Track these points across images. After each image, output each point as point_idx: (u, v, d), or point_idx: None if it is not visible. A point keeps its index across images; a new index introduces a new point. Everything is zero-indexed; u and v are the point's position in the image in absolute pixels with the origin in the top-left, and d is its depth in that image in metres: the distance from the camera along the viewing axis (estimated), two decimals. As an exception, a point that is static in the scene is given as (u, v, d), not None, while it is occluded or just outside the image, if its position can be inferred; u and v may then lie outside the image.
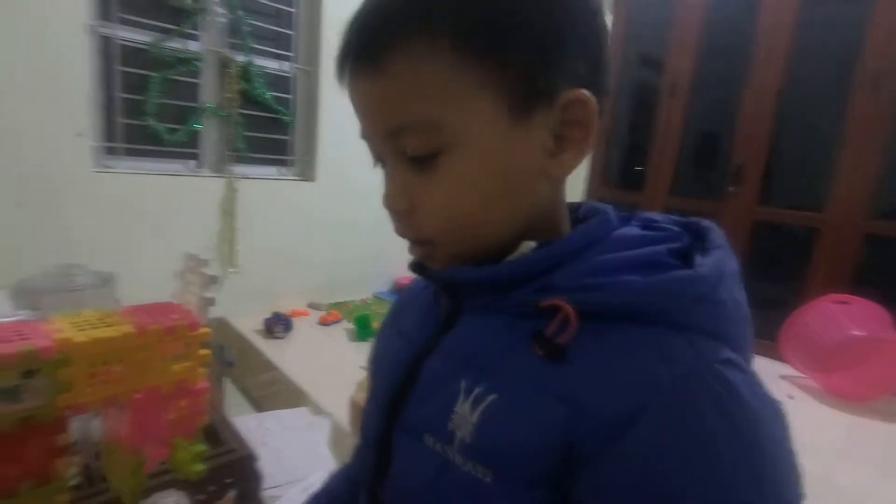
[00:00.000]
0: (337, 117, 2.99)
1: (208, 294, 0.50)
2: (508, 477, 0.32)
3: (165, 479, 0.60)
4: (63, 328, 0.44)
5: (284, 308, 2.47)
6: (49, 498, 0.43)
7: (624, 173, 3.37)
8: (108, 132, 2.19)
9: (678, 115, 2.82)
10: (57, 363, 0.41)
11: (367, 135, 0.37)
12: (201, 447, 0.54)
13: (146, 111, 2.33)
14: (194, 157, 2.57)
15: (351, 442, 1.11)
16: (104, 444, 0.51)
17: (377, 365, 0.47)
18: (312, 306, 2.88)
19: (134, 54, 2.23)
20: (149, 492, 0.69)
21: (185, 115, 2.47)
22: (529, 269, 0.35)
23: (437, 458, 0.35)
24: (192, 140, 2.51)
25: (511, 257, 0.36)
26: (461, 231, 0.36)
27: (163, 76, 2.30)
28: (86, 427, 0.56)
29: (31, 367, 0.40)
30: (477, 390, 0.34)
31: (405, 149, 0.34)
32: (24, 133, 1.89)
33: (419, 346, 0.40)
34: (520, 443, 0.32)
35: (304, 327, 2.45)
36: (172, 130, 2.45)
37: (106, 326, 0.45)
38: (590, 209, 0.40)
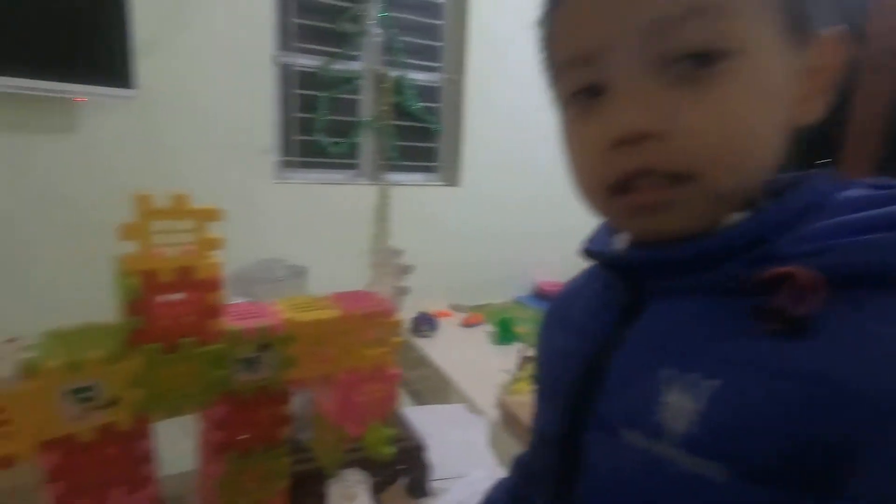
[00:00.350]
0: (480, 124, 3.05)
1: (402, 283, 0.52)
2: (744, 472, 0.27)
3: (351, 457, 0.65)
4: (284, 310, 0.49)
5: (428, 308, 2.57)
6: (276, 461, 0.48)
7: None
8: (286, 148, 2.50)
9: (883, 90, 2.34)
10: (285, 339, 0.46)
11: (601, 40, 0.30)
12: (391, 430, 0.57)
13: (315, 128, 2.60)
14: (354, 167, 2.81)
15: (508, 442, 1.11)
16: (316, 418, 0.55)
17: (547, 363, 0.44)
18: (454, 307, 2.95)
19: (306, 78, 2.52)
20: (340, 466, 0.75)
21: (346, 130, 2.71)
22: (745, 239, 0.29)
23: (642, 454, 0.31)
24: (352, 151, 2.75)
25: (722, 227, 0.31)
26: (734, 159, 0.30)
27: (329, 95, 2.56)
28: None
29: (266, 341, 0.45)
30: (689, 377, 0.29)
31: (674, 47, 0.28)
32: (225, 150, 2.23)
33: (598, 338, 0.36)
34: (760, 431, 0.27)
35: (448, 327, 2.51)
36: (336, 144, 2.70)
37: (316, 310, 0.50)
38: (791, 179, 0.33)
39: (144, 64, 2.04)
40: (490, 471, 0.93)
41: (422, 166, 2.95)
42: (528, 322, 3.17)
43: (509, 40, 3.03)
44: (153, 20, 2.07)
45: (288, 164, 2.48)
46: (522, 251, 3.47)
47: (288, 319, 0.46)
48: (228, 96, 2.21)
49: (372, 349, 0.52)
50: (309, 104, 2.52)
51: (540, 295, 3.61)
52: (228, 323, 0.43)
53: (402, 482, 0.88)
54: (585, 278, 0.45)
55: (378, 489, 0.80)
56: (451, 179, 3.08)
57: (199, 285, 0.40)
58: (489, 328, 2.94)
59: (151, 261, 0.38)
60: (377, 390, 0.54)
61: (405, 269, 0.52)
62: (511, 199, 3.31)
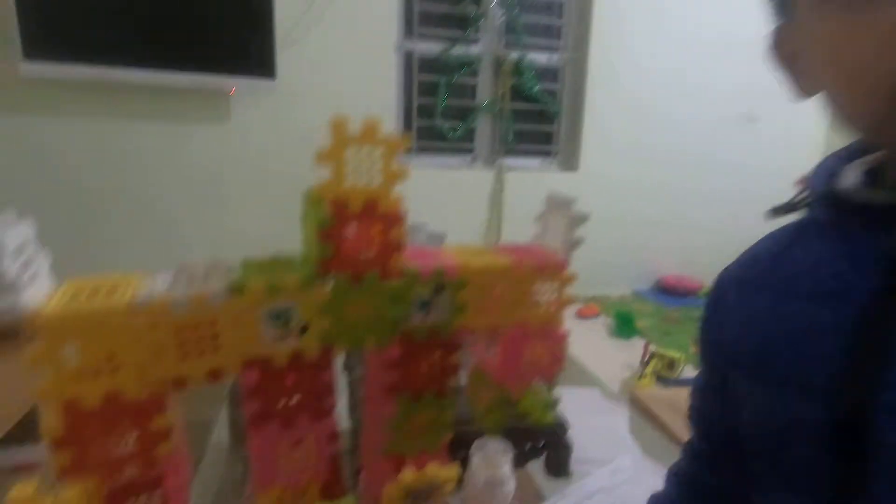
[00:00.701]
0: (602, 106, 2.88)
1: (574, 235, 0.48)
2: None
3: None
4: (456, 255, 0.47)
5: (544, 297, 2.48)
6: (443, 409, 0.46)
7: None
8: (406, 133, 2.56)
9: None
10: (459, 283, 0.43)
11: None
12: (555, 396, 0.53)
13: (434, 113, 2.63)
14: (470, 151, 2.80)
15: (651, 433, 1.03)
16: (474, 373, 0.53)
17: (768, 340, 0.36)
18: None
19: (427, 63, 2.56)
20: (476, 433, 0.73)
21: (463, 114, 2.71)
22: None
23: None
24: (469, 136, 2.74)
25: None
26: None
27: (448, 80, 2.57)
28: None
29: (441, 283, 0.43)
30: None
31: None
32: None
33: (863, 304, 0.29)
34: None
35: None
36: (453, 129, 2.71)
37: (488, 257, 0.47)
38: None
39: (283, 56, 2.20)
40: (635, 460, 0.86)
41: (539, 150, 2.87)
42: (650, 317, 2.95)
43: (635, 17, 2.83)
44: (290, 15, 2.21)
45: (407, 150, 2.55)
46: (643, 242, 3.24)
47: (462, 264, 0.44)
48: (356, 83, 2.31)
49: (541, 305, 0.48)
50: (429, 90, 2.56)
51: (662, 289, 3.35)
52: (407, 262, 0.42)
53: (542, 459, 0.84)
54: (794, 233, 0.37)
55: (518, 462, 0.77)
56: (569, 164, 2.96)
57: (384, 218, 0.39)
58: (606, 320, 2.78)
59: (342, 190, 0.37)
60: (544, 349, 0.50)
61: (579, 219, 0.47)
62: (633, 186, 3.10)
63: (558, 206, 0.50)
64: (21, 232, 0.32)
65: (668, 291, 3.34)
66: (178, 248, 2.21)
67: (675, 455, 0.95)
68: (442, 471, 0.45)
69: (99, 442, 0.35)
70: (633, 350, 2.52)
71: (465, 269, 0.44)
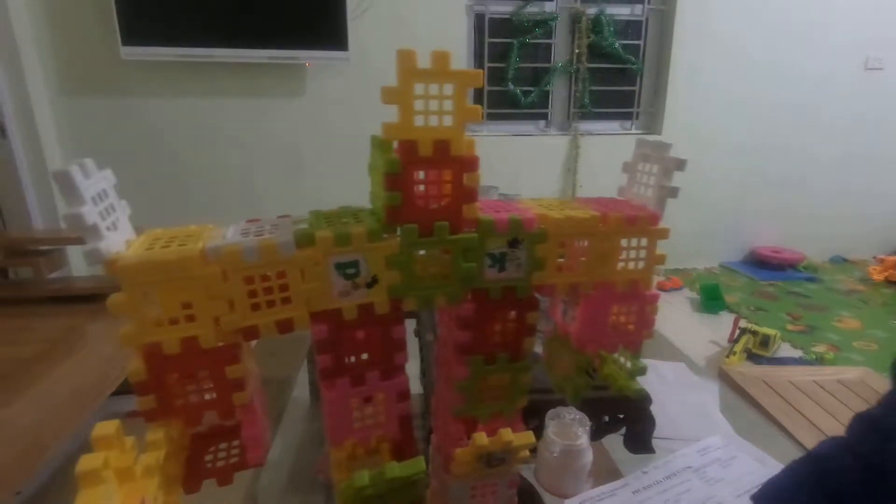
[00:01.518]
0: (690, 60, 2.64)
1: (669, 183, 0.42)
2: None
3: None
4: (533, 207, 0.43)
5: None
6: (517, 374, 0.44)
7: None
8: (477, 100, 2.48)
9: None
10: (537, 236, 0.40)
11: None
12: (643, 363, 0.48)
13: (506, 77, 2.53)
14: (544, 117, 2.69)
15: (744, 411, 0.95)
16: (552, 337, 0.50)
17: None
18: (651, 269, 2.67)
19: (499, 25, 2.46)
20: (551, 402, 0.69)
21: (537, 78, 2.59)
22: None
23: None
24: (543, 101, 2.62)
25: None
26: None
27: (521, 41, 2.46)
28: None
29: (517, 235, 0.39)
30: None
31: None
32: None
33: None
34: None
35: (644, 290, 2.29)
36: (527, 93, 2.60)
37: (569, 210, 0.43)
38: None
39: (354, 27, 2.20)
40: (727, 440, 0.79)
41: (618, 113, 2.69)
42: (740, 291, 2.73)
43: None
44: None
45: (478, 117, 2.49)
46: (735, 210, 2.98)
47: (541, 215, 0.40)
48: (426, 49, 2.28)
49: (629, 262, 0.44)
50: (500, 53, 2.46)
51: (754, 261, 3.07)
52: (480, 212, 0.39)
53: (622, 433, 0.79)
54: None
55: (595, 435, 0.73)
56: (652, 126, 2.76)
57: (456, 162, 0.36)
58: (689, 294, 2.61)
59: (411, 130, 0.34)
60: (631, 312, 0.46)
61: (675, 165, 0.42)
62: (724, 149, 2.83)
63: (650, 150, 0.44)
64: (101, 179, 0.33)
65: (761, 264, 3.06)
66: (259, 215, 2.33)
67: (773, 437, 0.86)
68: (518, 436, 0.43)
69: (179, 388, 0.36)
70: (721, 326, 2.35)
71: (544, 221, 0.40)
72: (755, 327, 2.07)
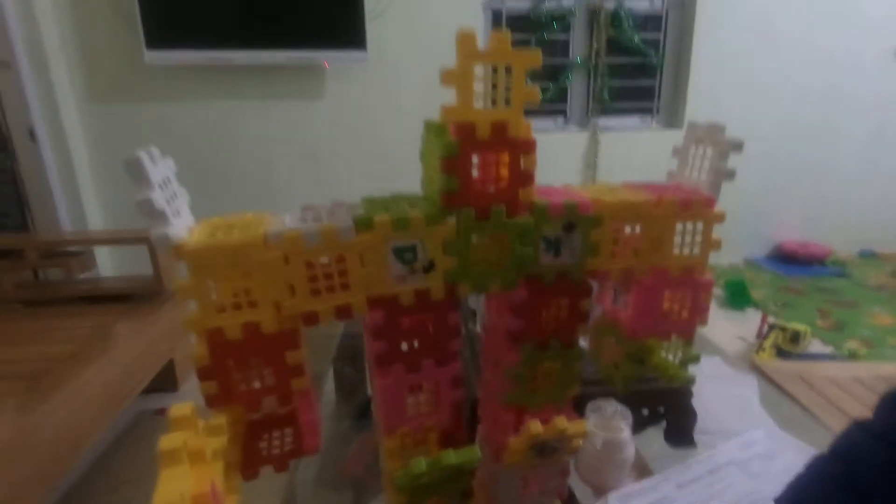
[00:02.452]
0: (712, 49, 2.60)
1: (726, 166, 0.41)
2: None
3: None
4: (584, 192, 0.42)
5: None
6: (570, 361, 0.43)
7: None
8: (497, 96, 2.48)
9: None
10: (592, 221, 0.39)
11: None
12: (695, 352, 0.47)
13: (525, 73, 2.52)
14: (563, 113, 2.67)
15: (786, 405, 0.92)
16: (600, 325, 0.49)
17: None
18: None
19: (517, 21, 2.45)
20: (591, 392, 0.68)
21: (555, 73, 2.57)
22: None
23: None
24: (562, 97, 2.61)
25: None
26: None
27: (539, 37, 2.44)
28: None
29: (572, 219, 0.39)
30: None
31: None
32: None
33: None
34: None
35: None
36: (545, 89, 2.59)
37: (623, 194, 0.42)
38: None
39: (372, 27, 2.21)
40: (770, 433, 0.77)
41: (638, 108, 2.66)
42: (766, 287, 2.68)
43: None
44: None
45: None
46: (760, 205, 2.93)
47: (596, 199, 0.40)
48: (444, 47, 2.27)
49: (684, 247, 0.43)
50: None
51: (780, 257, 3.01)
52: (536, 197, 0.38)
53: (662, 427, 0.78)
54: None
55: (635, 429, 0.72)
56: (672, 121, 2.72)
57: (513, 144, 0.36)
58: (715, 291, 2.56)
59: (470, 112, 0.34)
60: (684, 299, 0.45)
61: (732, 147, 0.41)
62: (747, 142, 2.77)
63: (704, 134, 0.44)
64: (164, 167, 0.33)
65: (788, 259, 2.99)
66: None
67: (816, 430, 0.84)
68: (572, 424, 0.42)
69: (240, 373, 0.36)
70: (747, 322, 2.30)
71: (598, 206, 0.40)
72: (784, 323, 2.03)
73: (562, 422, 0.42)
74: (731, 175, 0.41)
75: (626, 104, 2.68)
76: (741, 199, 2.82)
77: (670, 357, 0.50)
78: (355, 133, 2.36)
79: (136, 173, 0.30)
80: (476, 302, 1.10)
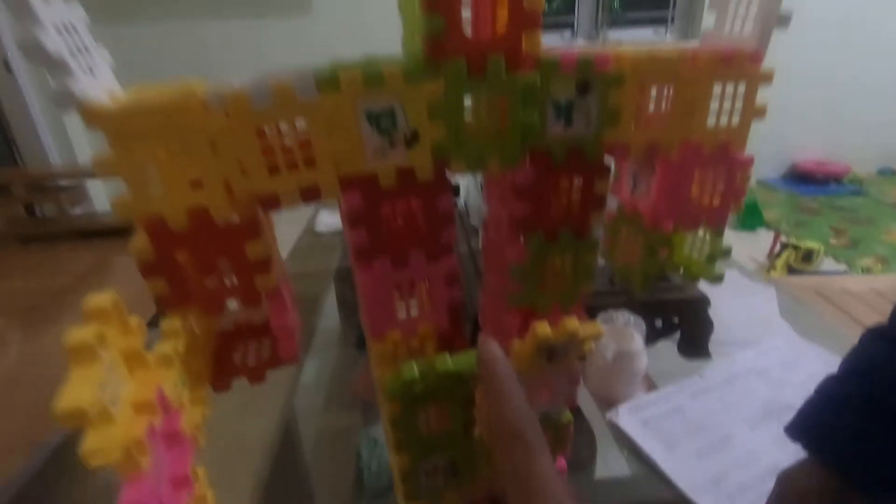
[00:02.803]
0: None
1: (778, 9, 0.33)
2: None
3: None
4: (604, 48, 0.35)
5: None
6: (583, 254, 0.37)
7: None
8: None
9: None
10: (611, 79, 0.32)
11: None
12: (727, 244, 0.41)
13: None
14: (570, 26, 2.48)
15: (805, 314, 0.89)
16: (617, 218, 0.43)
17: None
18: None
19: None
20: (601, 299, 0.63)
21: (562, -21, 2.36)
22: None
23: None
24: (569, 7, 2.40)
25: None
26: None
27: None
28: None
29: (588, 77, 0.32)
30: None
31: None
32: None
33: None
34: None
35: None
36: (549, 0, 2.38)
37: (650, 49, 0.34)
38: None
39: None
40: (789, 342, 0.73)
41: (651, 18, 2.46)
42: (779, 207, 2.60)
43: None
44: None
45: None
46: (775, 124, 2.79)
47: (618, 54, 0.32)
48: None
49: (722, 115, 0.36)
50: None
51: (795, 176, 2.90)
52: (544, 50, 0.31)
53: (675, 339, 0.74)
54: None
55: (648, 340, 0.68)
56: (689, 31, 2.53)
57: (513, -28, 0.28)
58: (726, 212, 2.49)
59: (457, -74, 0.26)
60: (717, 180, 0.38)
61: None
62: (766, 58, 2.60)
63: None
64: (65, 10, 0.26)
65: (804, 179, 2.89)
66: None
67: (841, 337, 0.80)
68: (584, 326, 0.37)
69: (193, 270, 0.31)
70: (759, 243, 2.25)
71: (620, 61, 0.32)
72: (797, 242, 1.97)
73: (572, 322, 0.36)
74: (784, 20, 0.33)
75: (639, 14, 2.47)
76: (758, 122, 2.68)
77: (695, 254, 0.44)
78: (344, 51, 2.20)
79: (17, 5, 0.22)
80: (478, 219, 1.04)
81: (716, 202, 0.39)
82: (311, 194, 0.30)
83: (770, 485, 0.52)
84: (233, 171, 0.28)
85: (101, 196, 2.15)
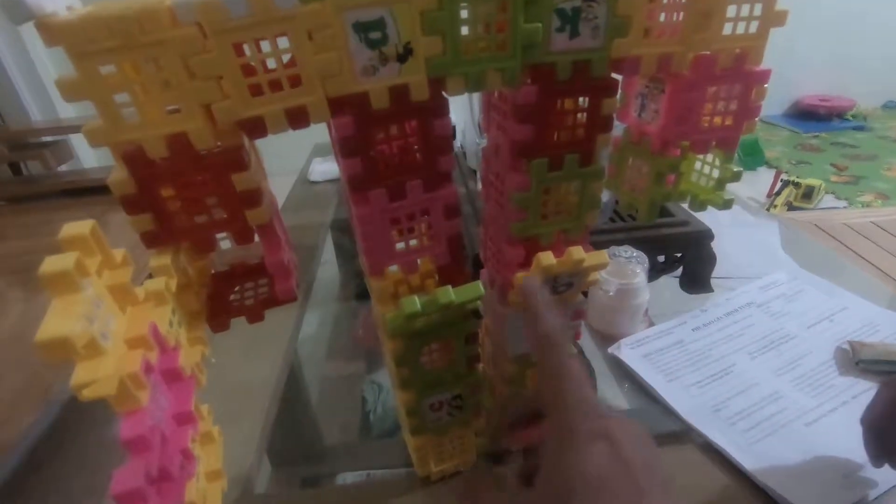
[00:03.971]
0: None
1: None
2: None
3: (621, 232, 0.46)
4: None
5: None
6: (588, 182, 0.35)
7: None
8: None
9: None
10: (622, -18, 0.29)
11: None
12: (736, 167, 0.40)
13: None
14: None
15: (808, 246, 0.88)
16: (623, 144, 0.41)
17: None
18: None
19: None
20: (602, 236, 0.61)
21: None
22: None
23: None
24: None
25: None
26: None
27: None
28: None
29: (596, -19, 0.29)
30: None
31: None
32: None
33: None
34: None
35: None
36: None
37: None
38: None
39: None
40: (792, 274, 0.73)
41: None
42: (781, 145, 2.55)
43: None
44: None
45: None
46: (778, 60, 2.68)
47: (625, -49, 0.29)
48: None
49: (738, 22, 0.33)
50: None
51: (797, 112, 2.83)
52: (544, -55, 0.28)
53: (678, 274, 0.74)
54: None
55: (652, 275, 0.68)
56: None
57: None
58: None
59: None
60: (731, 98, 0.36)
61: None
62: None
63: None
64: None
65: (806, 115, 2.83)
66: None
67: (843, 269, 0.80)
68: (590, 256, 0.36)
69: (178, 204, 0.29)
70: (759, 182, 2.22)
71: (630, -39, 0.29)
72: (798, 179, 1.95)
73: (578, 251, 0.35)
74: None
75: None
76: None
77: (702, 181, 0.42)
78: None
79: None
80: (476, 161, 1.01)
81: (728, 122, 0.37)
82: (298, 117, 0.28)
83: (769, 409, 0.53)
84: (211, 92, 0.26)
85: (89, 153, 2.09)
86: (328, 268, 1.02)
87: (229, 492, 0.52)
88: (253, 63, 0.26)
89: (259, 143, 0.31)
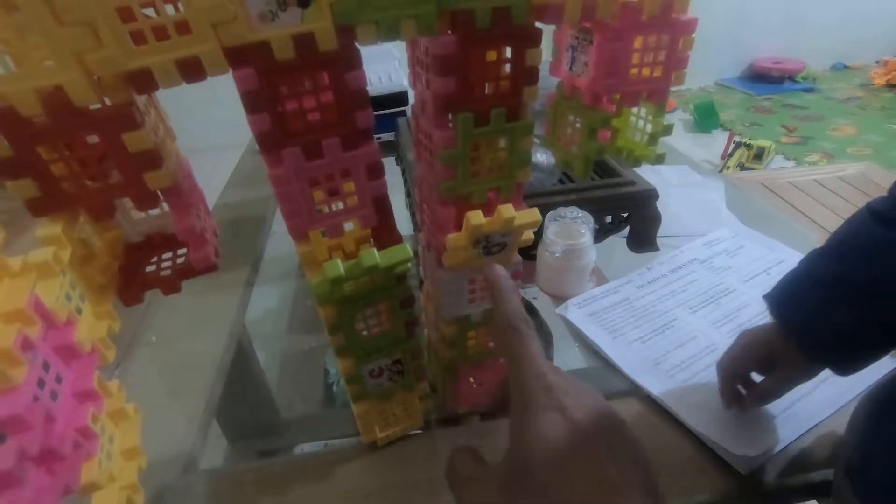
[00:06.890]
0: None
1: None
2: None
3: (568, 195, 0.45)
4: None
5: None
6: (517, 137, 0.35)
7: None
8: None
9: None
10: (538, -80, 0.28)
11: None
12: (668, 121, 0.39)
13: None
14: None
15: (751, 204, 0.91)
16: (557, 100, 0.40)
17: None
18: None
19: None
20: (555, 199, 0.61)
21: None
22: None
23: None
24: None
25: None
26: None
27: None
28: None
29: (511, -81, 0.27)
30: None
31: None
32: None
33: None
34: None
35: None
36: None
37: None
38: None
39: None
40: (735, 231, 0.75)
41: None
42: (735, 107, 2.60)
43: None
44: None
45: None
46: (734, 24, 2.73)
47: None
48: None
49: (662, -32, 0.32)
50: None
51: (752, 75, 2.88)
52: None
53: (625, 234, 0.75)
54: None
55: (597, 237, 0.68)
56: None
57: None
58: (683, 116, 2.49)
59: None
60: (658, 48, 0.35)
61: None
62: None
63: None
64: None
65: (760, 78, 2.88)
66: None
67: (780, 225, 0.83)
68: (521, 214, 0.35)
69: (65, 167, 0.27)
70: (714, 144, 2.27)
71: None
72: (750, 140, 2.00)
73: (508, 210, 0.35)
74: None
75: None
76: (714, 20, 2.60)
77: (637, 137, 0.42)
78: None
79: None
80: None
81: (657, 73, 0.36)
82: (192, 70, 0.25)
83: (705, 360, 0.55)
84: (85, 39, 0.23)
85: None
86: (285, 242, 0.99)
87: (172, 467, 0.51)
88: (130, 7, 0.23)
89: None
